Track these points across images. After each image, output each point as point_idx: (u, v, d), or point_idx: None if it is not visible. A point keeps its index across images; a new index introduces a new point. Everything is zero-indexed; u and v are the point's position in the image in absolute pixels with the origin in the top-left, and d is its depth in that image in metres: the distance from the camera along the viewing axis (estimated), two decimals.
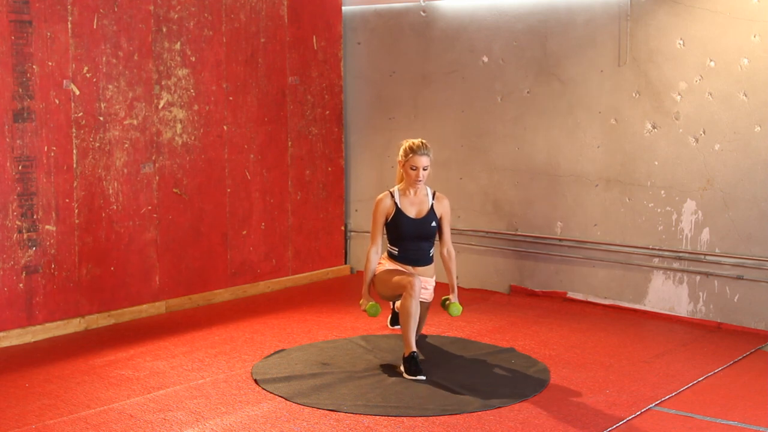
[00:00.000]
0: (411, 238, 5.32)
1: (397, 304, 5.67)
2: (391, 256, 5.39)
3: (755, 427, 4.39)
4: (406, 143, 5.31)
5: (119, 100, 6.19)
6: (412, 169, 5.25)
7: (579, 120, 6.69)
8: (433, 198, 5.37)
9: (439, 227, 5.41)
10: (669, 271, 6.38)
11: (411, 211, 5.32)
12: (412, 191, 5.33)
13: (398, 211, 5.31)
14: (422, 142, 5.28)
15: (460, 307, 5.37)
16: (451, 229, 5.84)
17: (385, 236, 5.44)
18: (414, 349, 5.09)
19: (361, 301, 5.40)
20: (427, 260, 5.40)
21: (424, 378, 5.00)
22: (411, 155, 5.24)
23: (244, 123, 6.96)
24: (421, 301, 5.26)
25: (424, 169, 5.25)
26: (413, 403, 4.65)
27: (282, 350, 5.58)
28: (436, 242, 5.49)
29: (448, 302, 5.42)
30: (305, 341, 5.80)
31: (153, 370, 5.22)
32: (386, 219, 5.34)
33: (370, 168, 7.78)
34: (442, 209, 5.39)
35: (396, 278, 5.21)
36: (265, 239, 7.20)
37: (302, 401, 4.67)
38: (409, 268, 5.34)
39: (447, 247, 5.46)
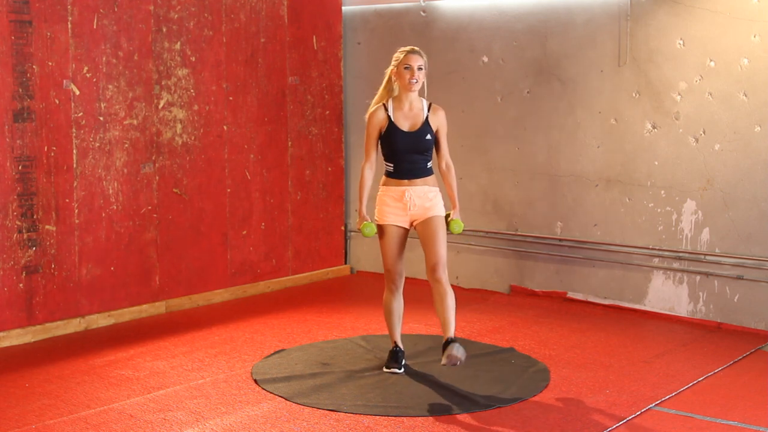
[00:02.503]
0: (405, 151, 5.03)
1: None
2: (388, 175, 5.10)
3: (755, 427, 4.39)
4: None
5: (119, 100, 6.19)
6: (405, 68, 4.96)
7: (579, 120, 6.69)
8: (429, 110, 5.07)
9: (436, 141, 5.12)
10: (669, 271, 6.38)
11: (404, 125, 5.04)
12: (406, 104, 5.05)
13: (391, 125, 5.03)
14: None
15: (462, 224, 5.10)
16: None
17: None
18: (396, 345, 5.21)
19: (357, 221, 5.18)
20: (424, 172, 5.08)
21: (401, 371, 5.13)
22: (404, 55, 5.00)
23: (244, 123, 6.96)
24: (430, 217, 5.04)
25: (419, 69, 4.96)
26: (413, 403, 4.65)
27: (282, 350, 5.58)
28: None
29: (449, 219, 5.15)
30: (305, 341, 5.80)
31: (153, 370, 5.22)
32: (379, 133, 5.08)
33: None
34: (438, 121, 5.08)
35: (385, 254, 5.06)
36: (265, 239, 7.20)
37: (302, 401, 4.67)
38: (405, 182, 5.05)
39: (445, 161, 5.17)
